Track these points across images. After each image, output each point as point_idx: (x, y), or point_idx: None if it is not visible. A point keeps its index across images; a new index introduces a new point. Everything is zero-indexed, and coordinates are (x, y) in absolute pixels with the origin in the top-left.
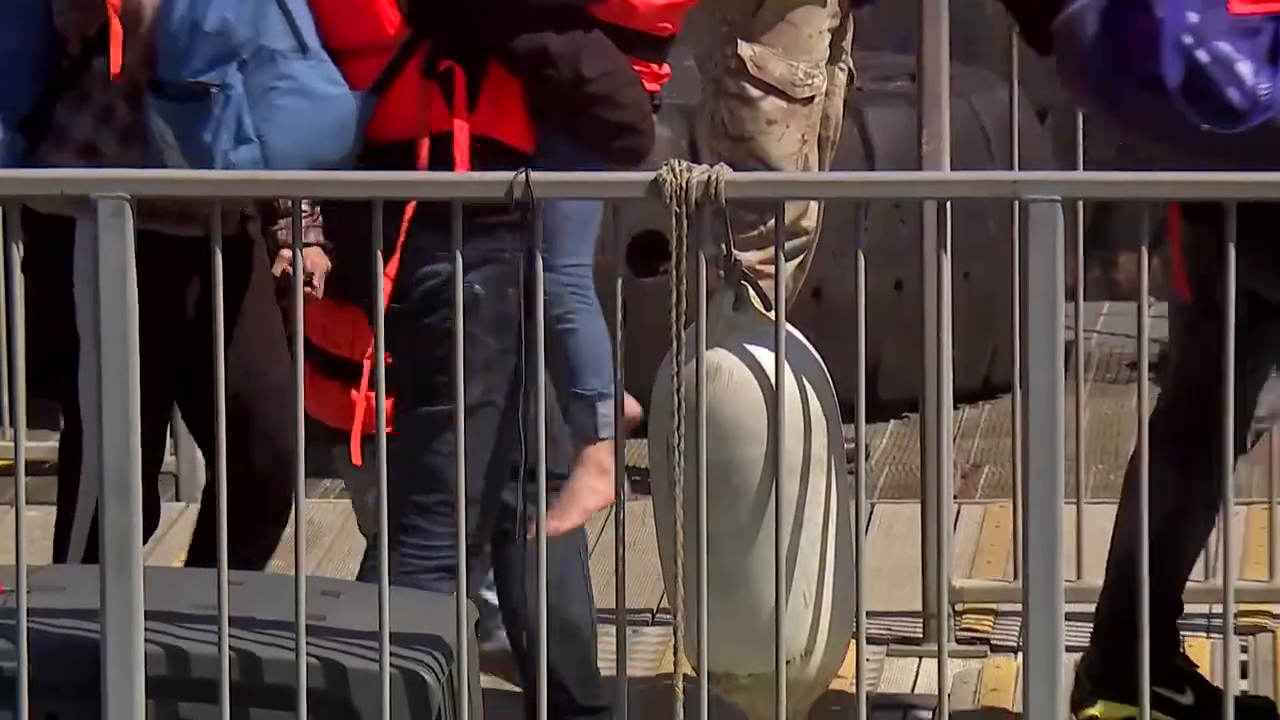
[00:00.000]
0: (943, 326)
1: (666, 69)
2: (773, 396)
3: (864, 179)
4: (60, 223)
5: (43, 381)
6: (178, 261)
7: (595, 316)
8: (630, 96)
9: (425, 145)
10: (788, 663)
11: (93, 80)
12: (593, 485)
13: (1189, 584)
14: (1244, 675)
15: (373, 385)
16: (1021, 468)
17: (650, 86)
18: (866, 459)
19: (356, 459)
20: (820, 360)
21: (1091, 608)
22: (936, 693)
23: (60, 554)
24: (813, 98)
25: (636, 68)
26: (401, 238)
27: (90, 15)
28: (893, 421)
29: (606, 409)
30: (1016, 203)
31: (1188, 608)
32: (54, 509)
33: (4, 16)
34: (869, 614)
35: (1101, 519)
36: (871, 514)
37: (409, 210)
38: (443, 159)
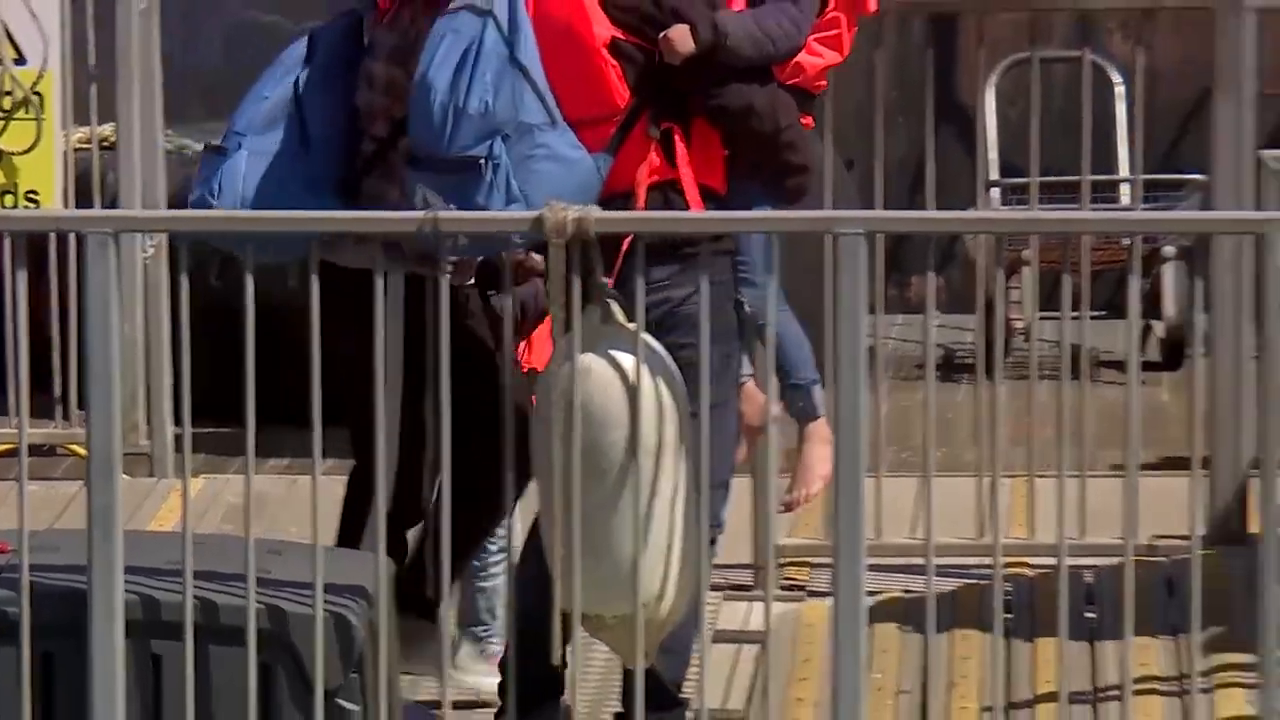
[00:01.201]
0: (769, 335)
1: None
2: (632, 390)
3: (713, 217)
4: (359, 276)
5: (339, 416)
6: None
7: (792, 320)
8: (806, 143)
9: (643, 193)
10: (643, 605)
11: (398, 157)
12: (821, 454)
13: (969, 541)
14: (1009, 611)
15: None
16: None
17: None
18: None
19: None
20: (671, 361)
21: (889, 561)
22: (764, 629)
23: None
24: None
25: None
26: (619, 265)
27: (398, 101)
28: None
29: (819, 394)
30: (829, 236)
31: (970, 560)
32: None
33: (326, 96)
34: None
35: (896, 489)
36: None
37: (625, 244)
38: (658, 204)
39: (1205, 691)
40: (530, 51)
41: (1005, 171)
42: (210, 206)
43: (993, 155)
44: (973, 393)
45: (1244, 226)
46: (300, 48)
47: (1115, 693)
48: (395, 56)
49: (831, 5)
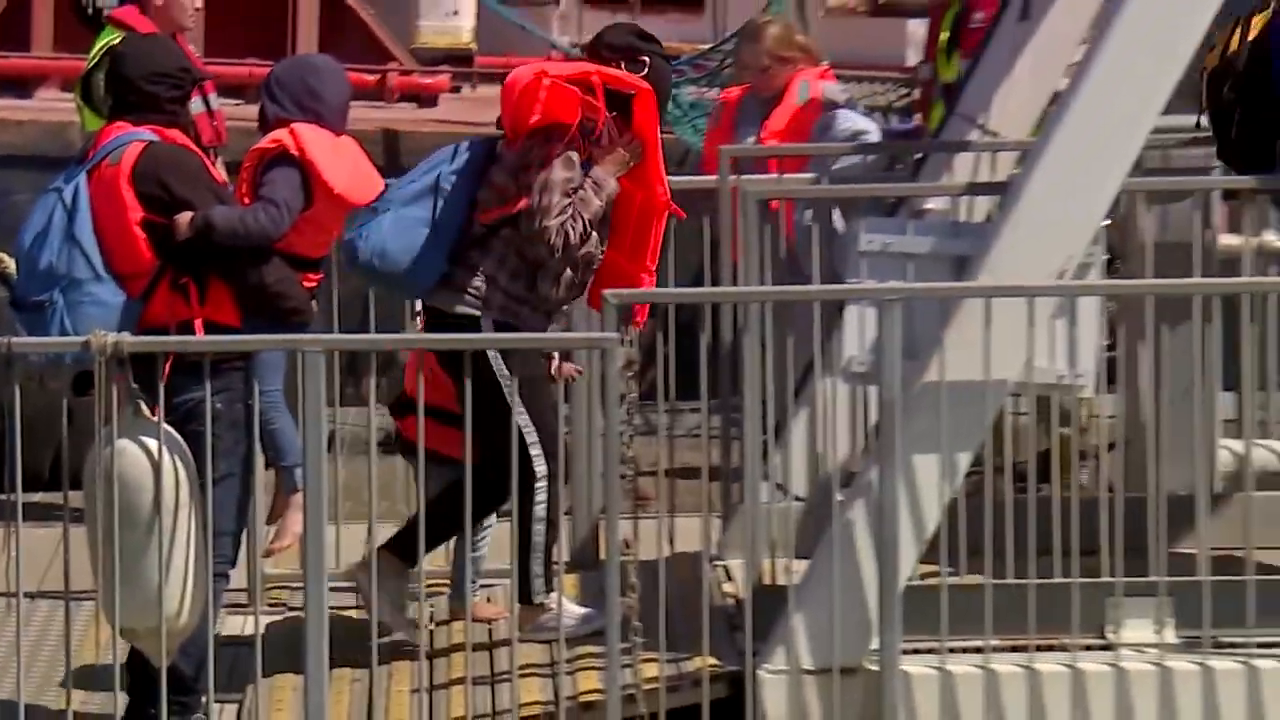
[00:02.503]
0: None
1: (321, 275)
2: (156, 465)
3: (213, 340)
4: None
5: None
6: None
7: (287, 416)
8: (295, 289)
9: (173, 329)
10: (166, 620)
11: (495, 239)
12: (296, 516)
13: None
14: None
15: None
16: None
17: (309, 285)
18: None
19: None
20: (184, 445)
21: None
22: (255, 635)
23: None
24: None
25: (304, 278)
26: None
27: (506, 202)
28: None
29: (299, 474)
30: (300, 354)
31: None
32: None
33: (458, 188)
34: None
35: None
36: None
37: (168, 363)
38: (189, 333)
39: (570, 674)
40: (84, 226)
41: None
42: (356, 248)
43: None
44: None
45: None
46: (448, 151)
47: (507, 676)
48: (511, 169)
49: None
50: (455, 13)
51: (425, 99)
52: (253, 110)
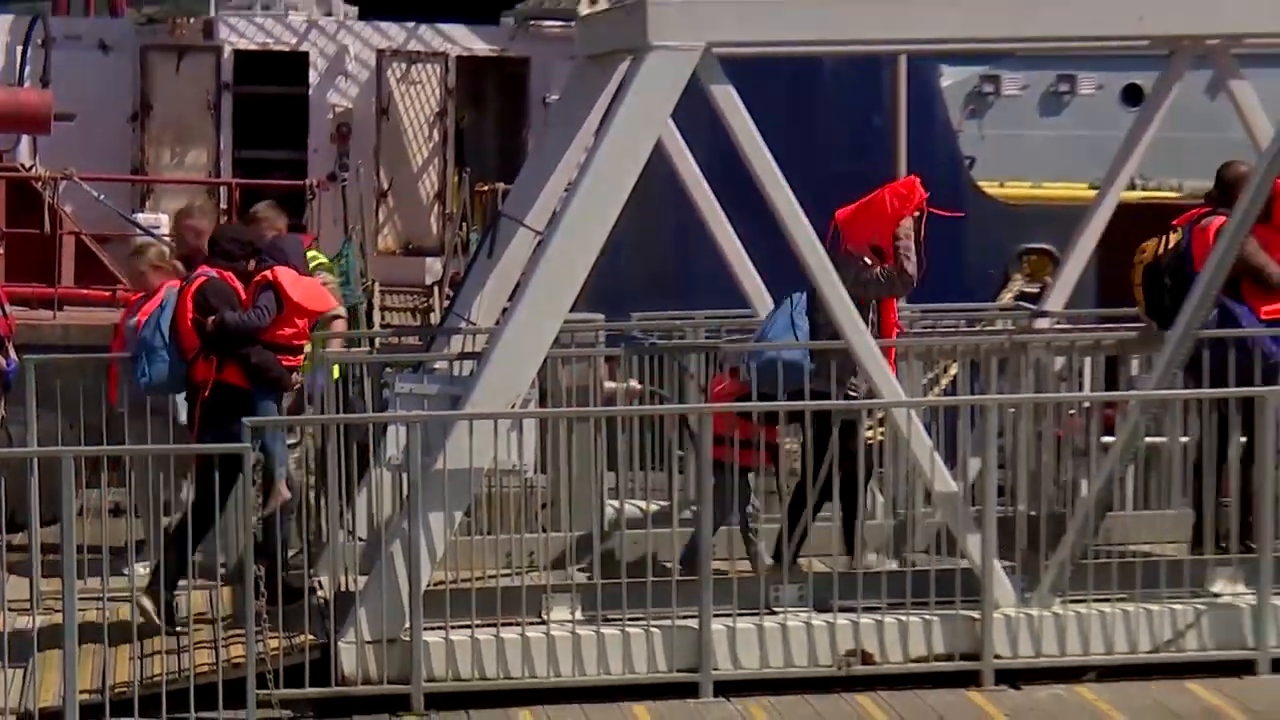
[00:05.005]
0: None
1: (301, 356)
2: None
3: None
4: None
5: None
6: None
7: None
8: (274, 366)
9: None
10: None
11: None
12: (280, 497)
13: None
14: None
15: None
16: None
17: (290, 363)
18: None
19: None
20: None
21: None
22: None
23: None
24: None
25: (284, 358)
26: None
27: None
28: None
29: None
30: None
31: None
32: None
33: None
34: None
35: None
36: None
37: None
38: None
39: (225, 646)
40: (166, 319)
41: None
42: None
43: None
44: None
45: None
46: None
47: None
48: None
49: None
50: None
51: None
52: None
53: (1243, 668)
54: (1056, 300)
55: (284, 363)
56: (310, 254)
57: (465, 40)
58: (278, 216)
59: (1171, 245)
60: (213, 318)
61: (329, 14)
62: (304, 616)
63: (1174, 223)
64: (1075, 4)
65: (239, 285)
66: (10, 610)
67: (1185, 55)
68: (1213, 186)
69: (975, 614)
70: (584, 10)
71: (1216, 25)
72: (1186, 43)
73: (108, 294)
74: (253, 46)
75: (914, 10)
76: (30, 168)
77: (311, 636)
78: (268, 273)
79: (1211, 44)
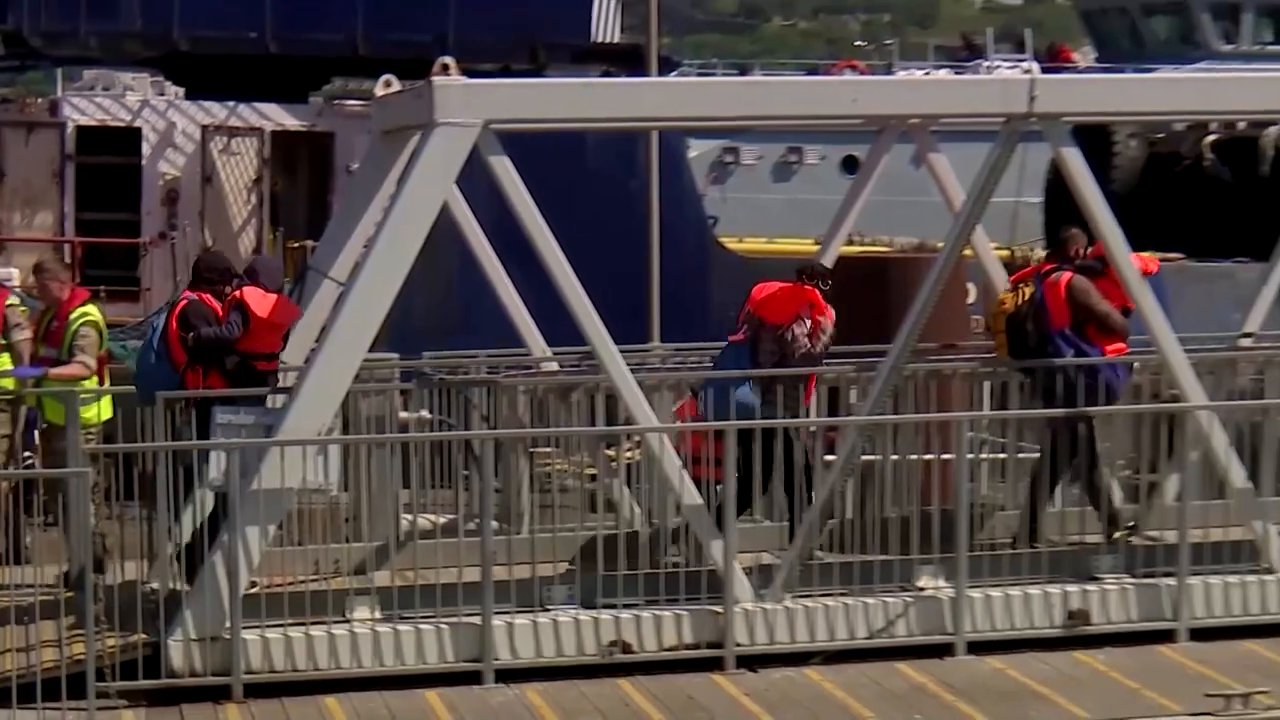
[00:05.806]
0: None
1: (276, 362)
2: None
3: None
4: None
5: None
6: None
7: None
8: (250, 373)
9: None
10: None
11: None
12: None
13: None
14: None
15: None
16: None
17: (263, 368)
18: None
19: None
20: None
21: None
22: None
23: None
24: None
25: (259, 364)
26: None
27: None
28: None
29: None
30: None
31: None
32: None
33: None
34: None
35: None
36: None
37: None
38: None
39: (68, 644)
40: (158, 336)
41: None
42: None
43: None
44: None
45: None
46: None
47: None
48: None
49: None
50: None
51: None
52: None
53: (944, 650)
54: None
55: (259, 367)
56: (80, 310)
57: (279, 117)
58: (61, 270)
59: (1026, 299)
60: (191, 334)
61: (160, 94)
62: (137, 617)
63: (1012, 279)
64: (800, 88)
65: (217, 305)
66: None
67: (892, 132)
68: (1054, 247)
69: (718, 608)
70: (380, 91)
71: (916, 107)
72: (893, 121)
73: None
74: (93, 122)
75: (662, 93)
76: None
77: (144, 635)
78: (237, 293)
79: (913, 123)
